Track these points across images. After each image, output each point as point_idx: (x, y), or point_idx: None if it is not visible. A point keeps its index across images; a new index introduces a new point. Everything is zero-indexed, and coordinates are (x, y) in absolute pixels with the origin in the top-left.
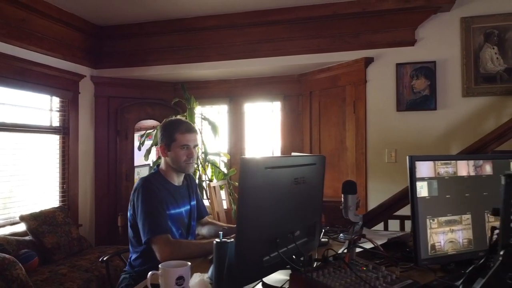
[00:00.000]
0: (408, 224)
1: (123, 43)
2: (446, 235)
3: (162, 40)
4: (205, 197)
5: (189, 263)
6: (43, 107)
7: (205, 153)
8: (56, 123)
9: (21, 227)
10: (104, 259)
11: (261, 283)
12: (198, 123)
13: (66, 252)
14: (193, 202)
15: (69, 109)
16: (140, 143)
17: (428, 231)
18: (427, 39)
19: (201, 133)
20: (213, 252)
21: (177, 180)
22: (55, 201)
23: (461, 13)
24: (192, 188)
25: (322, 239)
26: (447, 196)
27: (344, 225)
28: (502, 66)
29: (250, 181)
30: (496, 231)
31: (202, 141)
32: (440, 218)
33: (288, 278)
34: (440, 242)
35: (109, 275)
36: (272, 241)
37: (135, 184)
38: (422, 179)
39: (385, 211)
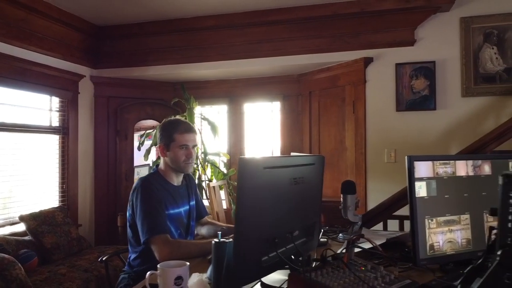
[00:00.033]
0: (407, 224)
1: (123, 43)
2: (444, 235)
3: (161, 40)
4: (204, 197)
5: (188, 263)
6: (43, 107)
7: (205, 153)
8: (55, 123)
9: (21, 227)
10: (103, 259)
11: (259, 283)
12: (197, 123)
13: (65, 252)
14: (192, 202)
15: (68, 109)
16: (139, 143)
17: (427, 231)
18: (427, 39)
19: (200, 133)
20: (212, 252)
21: (176, 180)
22: (55, 201)
23: (461, 13)
24: (191, 188)
25: (321, 239)
26: (445, 196)
27: (343, 225)
28: (501, 66)
29: (248, 181)
30: (494, 231)
31: (202, 141)
32: (438, 218)
33: (286, 278)
34: (438, 242)
35: (108, 275)
36: (271, 241)
37: (134, 184)
38: (421, 179)
39: (384, 211)
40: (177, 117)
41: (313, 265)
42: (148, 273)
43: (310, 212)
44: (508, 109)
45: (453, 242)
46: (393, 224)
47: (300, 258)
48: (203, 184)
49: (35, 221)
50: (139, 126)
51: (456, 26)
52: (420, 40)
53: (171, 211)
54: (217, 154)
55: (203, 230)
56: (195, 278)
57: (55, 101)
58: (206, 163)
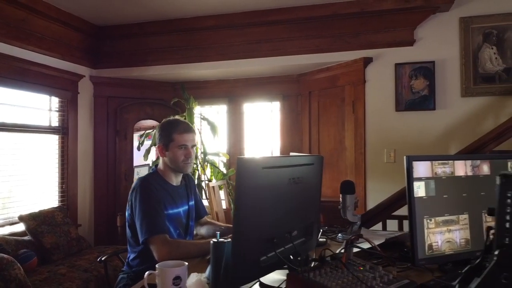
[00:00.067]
0: (406, 224)
1: (122, 43)
2: (443, 235)
3: (161, 40)
4: (204, 197)
5: (186, 263)
6: (42, 107)
7: (204, 153)
8: (55, 123)
9: (20, 227)
10: (103, 259)
11: (258, 283)
12: (197, 123)
13: (65, 252)
14: (191, 202)
15: (68, 109)
16: (139, 143)
17: (426, 231)
18: (426, 39)
19: (200, 133)
20: (210, 252)
21: (175, 180)
22: (54, 201)
23: (460, 13)
24: (190, 188)
25: (320, 239)
26: (444, 196)
27: (342, 225)
28: (501, 66)
29: (247, 181)
30: (492, 231)
31: (201, 141)
32: (437, 218)
33: (285, 278)
34: (437, 242)
35: (108, 275)
36: (270, 241)
37: (133, 184)
38: (420, 179)
39: (383, 211)
40: (177, 117)
41: (312, 265)
42: (147, 273)
43: (309, 212)
44: (507, 109)
45: (452, 242)
46: (392, 224)
47: (299, 258)
48: (203, 184)
49: (34, 221)
50: (138, 126)
51: (455, 26)
52: (419, 40)
53: (170, 211)
54: (217, 154)
55: (202, 230)
56: (193, 278)
57: (55, 101)
58: (206, 163)
